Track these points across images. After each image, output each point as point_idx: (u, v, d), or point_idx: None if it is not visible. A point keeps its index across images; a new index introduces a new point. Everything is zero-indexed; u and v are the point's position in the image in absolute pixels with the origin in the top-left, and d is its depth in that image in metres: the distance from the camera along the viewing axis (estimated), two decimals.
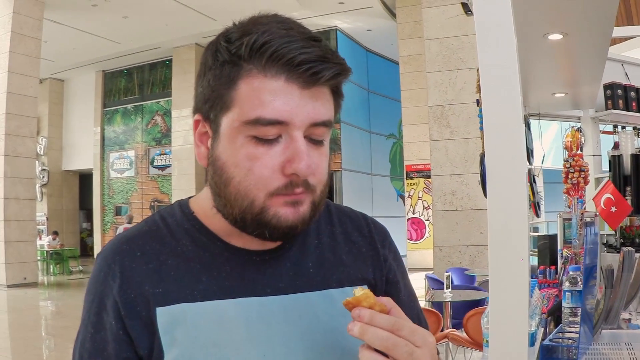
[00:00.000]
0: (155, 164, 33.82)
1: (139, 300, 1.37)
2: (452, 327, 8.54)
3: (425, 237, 25.46)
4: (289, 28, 1.34)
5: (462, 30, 13.36)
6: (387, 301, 1.27)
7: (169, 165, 32.77)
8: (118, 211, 35.05)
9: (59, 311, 17.24)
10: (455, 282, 11.05)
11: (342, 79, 1.36)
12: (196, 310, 1.37)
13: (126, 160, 34.82)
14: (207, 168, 1.42)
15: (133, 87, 34.99)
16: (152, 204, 33.72)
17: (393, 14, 25.35)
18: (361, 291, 1.25)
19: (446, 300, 8.54)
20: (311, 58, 1.28)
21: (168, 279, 1.39)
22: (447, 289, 8.76)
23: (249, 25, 1.34)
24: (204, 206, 1.50)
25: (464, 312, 8.06)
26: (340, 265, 1.57)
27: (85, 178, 37.44)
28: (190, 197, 1.58)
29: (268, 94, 1.28)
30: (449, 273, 9.28)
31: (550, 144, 12.62)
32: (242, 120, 1.30)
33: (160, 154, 33.53)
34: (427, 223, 25.44)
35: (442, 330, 8.00)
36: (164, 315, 1.36)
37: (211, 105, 1.37)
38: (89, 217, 37.63)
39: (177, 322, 1.36)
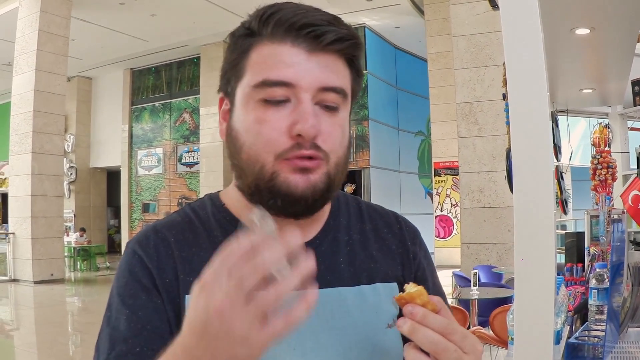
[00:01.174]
0: (183, 161, 33.93)
1: (173, 284, 1.39)
2: (479, 325, 8.52)
3: (453, 234, 25.42)
4: (300, 4, 1.38)
5: (490, 27, 13.30)
6: (437, 301, 1.24)
7: (197, 163, 32.86)
8: (146, 208, 35.22)
9: (85, 307, 17.33)
10: (483, 280, 11.01)
11: (347, 45, 1.38)
12: None
13: (154, 158, 34.96)
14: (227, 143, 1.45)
15: (161, 84, 35.12)
16: (180, 200, 33.83)
17: (421, 11, 25.31)
18: (414, 287, 1.24)
19: (473, 297, 8.51)
20: (315, 22, 1.34)
21: (199, 269, 1.28)
22: (474, 286, 8.73)
23: (260, 7, 1.39)
24: (233, 198, 1.54)
25: (491, 309, 8.03)
26: (370, 261, 1.57)
27: (113, 175, 37.61)
28: (219, 191, 1.62)
29: (274, 57, 1.33)
30: (476, 270, 9.25)
31: (578, 141, 12.56)
32: (251, 85, 1.34)
33: (188, 151, 33.62)
34: (454, 220, 25.41)
35: (468, 328, 7.96)
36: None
37: (228, 79, 1.42)
38: (116, 214, 37.80)
39: None
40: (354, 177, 27.26)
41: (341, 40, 1.36)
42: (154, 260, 1.41)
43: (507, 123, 3.21)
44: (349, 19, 27.02)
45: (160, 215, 33.81)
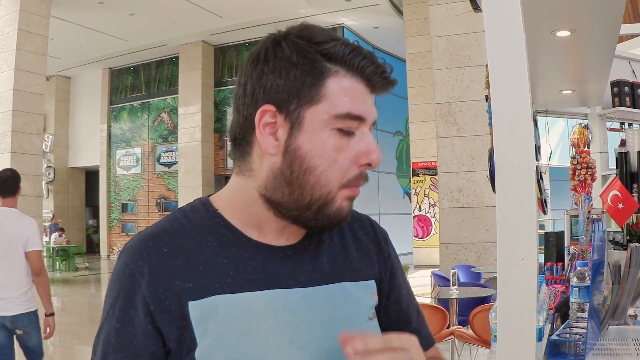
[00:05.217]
0: (161, 161, 33.92)
1: (168, 294, 1.42)
2: (458, 324, 8.55)
3: (431, 234, 25.48)
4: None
5: (469, 28, 13.35)
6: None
7: (175, 162, 32.87)
8: (124, 208, 35.18)
9: (64, 307, 17.21)
10: (461, 280, 11.04)
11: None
12: (227, 302, 1.44)
13: (132, 157, 34.91)
14: (274, 157, 1.49)
15: (140, 84, 35.06)
16: (159, 200, 33.82)
17: (400, 12, 25.35)
18: None
19: (452, 297, 8.55)
20: (385, 71, 1.50)
21: (197, 274, 1.45)
22: (453, 285, 8.77)
23: (320, 31, 1.49)
24: (227, 203, 1.59)
25: (470, 309, 8.08)
26: (351, 261, 1.70)
27: (91, 175, 37.53)
28: (209, 195, 1.65)
29: (354, 93, 1.46)
30: (456, 270, 9.28)
31: (556, 141, 12.62)
32: (332, 114, 1.45)
33: (167, 151, 33.62)
34: (433, 220, 25.47)
35: (448, 327, 8.01)
36: (196, 308, 1.42)
37: (294, 98, 1.46)
38: (95, 214, 37.72)
39: (209, 314, 1.42)
40: None
41: (392, 84, 1.54)
42: (145, 274, 1.44)
43: (490, 124, 3.25)
44: (328, 19, 27.07)
45: (139, 215, 33.81)
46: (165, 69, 34.05)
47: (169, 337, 1.42)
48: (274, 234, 1.57)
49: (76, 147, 37.18)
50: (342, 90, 1.45)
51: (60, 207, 36.15)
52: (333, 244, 1.69)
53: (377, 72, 1.48)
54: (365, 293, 1.68)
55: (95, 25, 27.96)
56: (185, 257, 1.47)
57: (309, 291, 1.56)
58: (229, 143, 1.68)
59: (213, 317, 1.42)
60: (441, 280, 10.97)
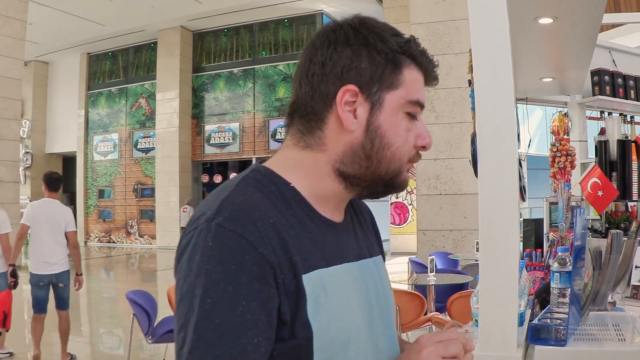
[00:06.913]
0: (139, 146, 33.83)
1: (284, 267, 1.44)
2: (436, 311, 8.57)
3: (408, 221, 25.56)
4: None
5: (448, 15, 13.35)
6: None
7: (152, 148, 32.81)
8: (101, 194, 35.07)
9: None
10: (439, 266, 11.07)
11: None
12: (328, 276, 1.54)
13: (110, 143, 34.80)
14: (354, 133, 1.60)
15: (118, 69, 34.95)
16: (135, 186, 33.75)
17: None
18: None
19: (430, 283, 8.57)
20: (436, 70, 1.71)
21: (298, 247, 1.50)
22: (430, 272, 8.79)
23: (389, 26, 1.65)
24: (297, 177, 1.64)
25: (448, 295, 8.09)
26: (367, 238, 1.86)
27: (68, 161, 37.34)
28: (268, 166, 1.66)
29: (420, 84, 1.66)
30: (433, 257, 9.30)
31: (534, 130, 12.66)
32: (407, 99, 1.61)
33: (144, 137, 33.53)
34: (410, 207, 25.53)
35: (425, 314, 8.03)
36: (309, 282, 1.48)
37: (376, 81, 1.59)
38: (72, 200, 37.47)
39: (319, 289, 1.50)
40: None
41: (437, 82, 1.74)
42: (264, 245, 1.42)
43: (473, 109, 3.26)
44: (307, 5, 27.03)
45: (116, 202, 33.79)
46: (144, 54, 33.94)
47: (285, 310, 1.43)
48: (332, 209, 1.68)
49: (54, 133, 37.00)
50: (413, 80, 1.62)
51: (38, 194, 35.72)
52: (354, 221, 1.82)
53: (433, 71, 1.68)
54: (383, 267, 1.87)
55: (74, 10, 27.82)
56: (284, 231, 1.49)
57: (361, 264, 1.70)
58: (287, 118, 1.69)
59: (321, 291, 1.49)
60: (418, 267, 10.99)
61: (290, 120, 1.67)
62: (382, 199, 1.99)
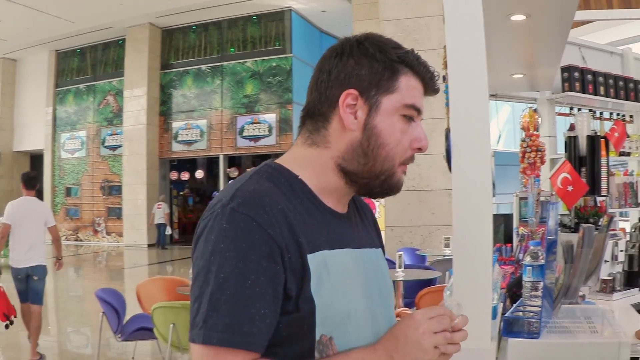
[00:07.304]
0: (106, 144, 33.66)
1: (290, 247, 1.63)
2: (405, 307, 8.59)
3: (376, 217, 25.60)
4: None
5: (418, 12, 13.34)
6: None
7: (120, 146, 32.65)
8: (68, 192, 34.86)
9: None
10: (407, 262, 11.08)
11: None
12: (330, 257, 1.72)
13: (77, 141, 34.59)
14: (354, 132, 1.80)
15: (86, 66, 34.75)
16: (103, 184, 33.57)
17: None
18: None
19: (398, 279, 8.58)
20: (435, 80, 1.88)
21: (304, 230, 1.68)
22: (399, 268, 8.80)
23: (391, 40, 1.87)
24: (304, 170, 1.83)
25: (416, 291, 8.10)
26: (368, 231, 2.04)
27: (36, 159, 37.06)
28: (278, 162, 1.87)
29: (417, 91, 1.83)
30: (401, 252, 9.30)
31: (502, 126, 12.73)
32: (402, 103, 1.79)
33: (112, 134, 33.37)
34: (377, 204, 25.55)
35: (394, 309, 8.05)
36: (313, 261, 1.66)
37: (374, 86, 1.79)
38: (39, 198, 37.15)
39: (321, 267, 1.67)
40: None
41: (438, 92, 1.91)
42: (273, 227, 1.61)
43: (447, 104, 3.28)
44: (275, 2, 27.03)
45: (84, 199, 33.58)
46: (112, 51, 33.75)
47: (291, 287, 1.62)
48: (335, 201, 1.86)
49: (21, 131, 36.72)
50: (410, 86, 1.80)
51: (5, 192, 35.44)
52: (356, 214, 2.00)
53: (432, 80, 1.86)
54: (383, 259, 2.03)
55: (42, 6, 27.60)
56: (291, 215, 1.67)
57: (363, 252, 1.88)
58: (300, 121, 1.93)
59: (324, 270, 1.67)
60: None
61: (302, 123, 1.89)
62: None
